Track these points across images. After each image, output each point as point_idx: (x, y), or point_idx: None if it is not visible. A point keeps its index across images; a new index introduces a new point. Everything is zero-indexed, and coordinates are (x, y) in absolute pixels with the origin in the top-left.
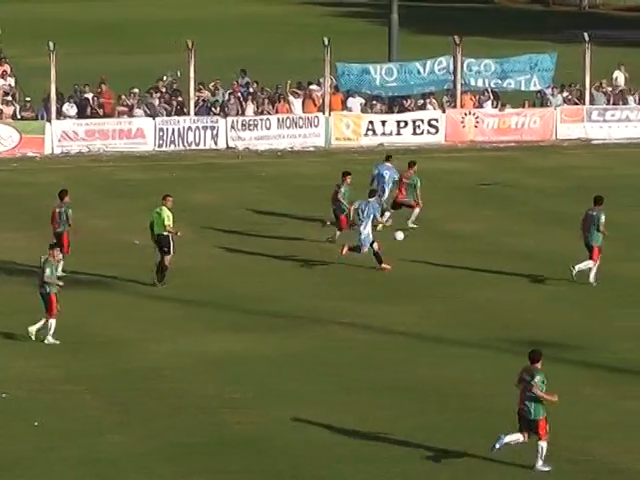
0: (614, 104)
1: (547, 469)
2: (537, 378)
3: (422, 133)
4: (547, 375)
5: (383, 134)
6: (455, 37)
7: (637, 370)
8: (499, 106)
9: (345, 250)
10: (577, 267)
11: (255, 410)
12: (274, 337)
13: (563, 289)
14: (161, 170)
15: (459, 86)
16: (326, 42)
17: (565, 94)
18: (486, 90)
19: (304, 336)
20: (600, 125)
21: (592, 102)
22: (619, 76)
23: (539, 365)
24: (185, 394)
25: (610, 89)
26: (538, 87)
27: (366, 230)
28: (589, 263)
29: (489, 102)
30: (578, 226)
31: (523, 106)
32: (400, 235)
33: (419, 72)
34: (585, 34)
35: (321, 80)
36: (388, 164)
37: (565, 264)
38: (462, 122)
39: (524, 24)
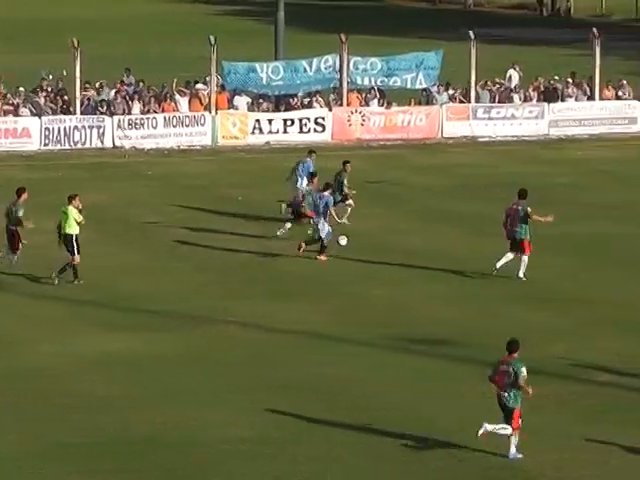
0: (499, 102)
1: (520, 456)
2: (523, 371)
3: (309, 131)
4: (444, 372)
5: (270, 132)
6: (341, 35)
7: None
8: (385, 104)
9: (302, 248)
10: (498, 264)
11: (148, 409)
12: (168, 336)
13: (453, 286)
14: (47, 170)
15: (345, 84)
16: (212, 41)
17: (451, 92)
18: (372, 88)
19: (197, 335)
20: (485, 123)
21: (477, 100)
22: (513, 74)
23: (516, 355)
24: (77, 394)
25: (496, 87)
26: (424, 85)
27: (326, 225)
28: (509, 256)
29: (375, 100)
30: (465, 224)
31: (409, 104)
32: (344, 240)
33: (305, 70)
34: (470, 32)
35: (207, 79)
36: (309, 159)
37: (452, 261)
38: (349, 120)
39: (411, 22)
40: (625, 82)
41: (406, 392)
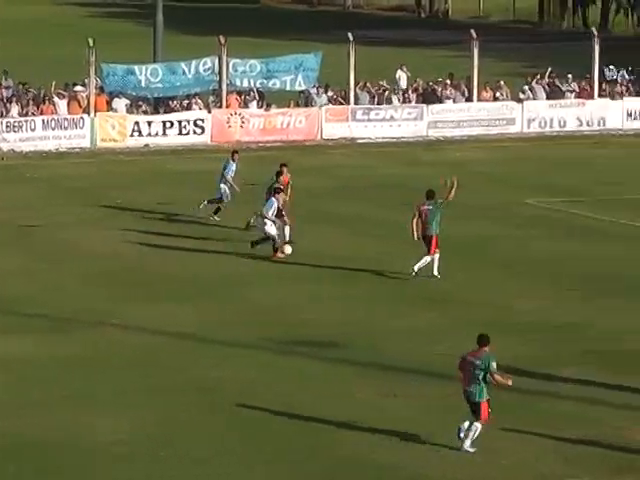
0: (378, 104)
1: (473, 450)
2: (493, 364)
3: (188, 133)
4: (328, 373)
5: (149, 135)
6: (220, 37)
7: (407, 368)
8: (265, 106)
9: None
10: (416, 267)
11: (35, 413)
12: (51, 340)
13: (337, 287)
14: None
15: (225, 86)
16: (91, 43)
17: (330, 93)
18: (251, 90)
19: (82, 339)
20: (365, 124)
21: (357, 102)
22: (402, 76)
23: (487, 349)
24: None
25: (375, 89)
26: (303, 87)
27: (273, 227)
28: (427, 259)
29: (254, 102)
30: (346, 224)
31: (289, 106)
32: (288, 249)
33: (184, 73)
34: (349, 34)
35: (86, 81)
36: (232, 160)
37: (335, 262)
38: (228, 122)
39: (290, 24)
40: (503, 83)
41: (290, 393)
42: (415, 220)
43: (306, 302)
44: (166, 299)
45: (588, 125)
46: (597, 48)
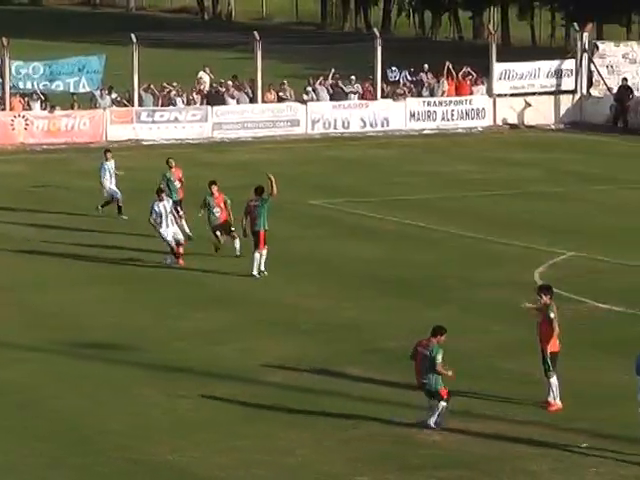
0: (162, 105)
1: (435, 427)
2: (438, 356)
3: None
4: (109, 375)
5: None
6: (2, 39)
7: (187, 368)
8: (49, 108)
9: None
10: (254, 270)
11: None
12: None
13: (119, 289)
14: None
15: (7, 89)
16: None
17: (114, 95)
18: (35, 92)
19: None
20: (149, 126)
21: (141, 104)
22: (204, 76)
23: (436, 340)
24: None
25: (159, 92)
26: (87, 89)
27: (169, 229)
28: (257, 256)
29: (38, 104)
30: (133, 227)
31: (72, 108)
32: (169, 259)
33: None
34: (132, 35)
35: None
36: (105, 159)
37: (114, 264)
38: (12, 125)
39: (73, 26)
40: (287, 84)
41: (75, 395)
42: (244, 216)
43: (93, 305)
44: None
45: (372, 126)
46: (379, 49)
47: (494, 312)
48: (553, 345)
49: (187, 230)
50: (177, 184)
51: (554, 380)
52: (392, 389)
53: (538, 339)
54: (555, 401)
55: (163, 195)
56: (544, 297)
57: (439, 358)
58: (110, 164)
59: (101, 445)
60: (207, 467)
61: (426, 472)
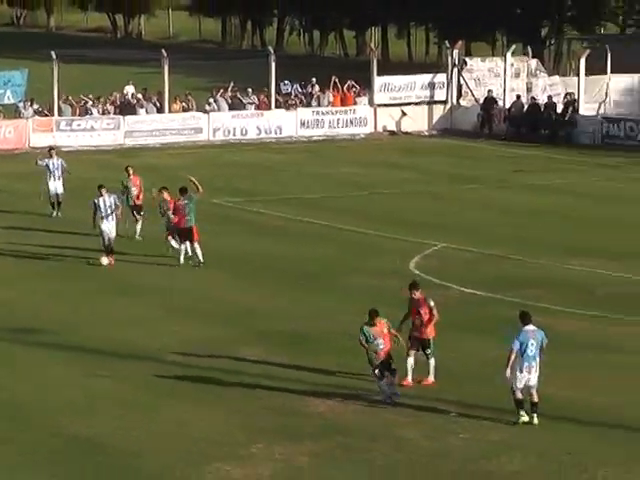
0: (79, 115)
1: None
2: (360, 336)
3: None
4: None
5: None
6: None
7: (102, 350)
8: None
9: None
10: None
11: None
12: None
13: (59, 280)
14: None
15: None
16: None
17: (36, 106)
18: None
19: None
20: (68, 134)
21: (60, 114)
22: (129, 89)
23: (370, 321)
24: None
25: (77, 103)
26: (12, 101)
27: (107, 224)
28: (195, 247)
29: None
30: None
31: None
32: (105, 260)
33: None
34: (52, 52)
35: None
36: (50, 157)
37: (38, 259)
38: None
39: None
40: (191, 96)
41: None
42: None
43: (24, 297)
44: None
45: (267, 133)
46: (273, 65)
47: (375, 297)
48: (432, 331)
49: (138, 231)
50: (134, 190)
51: (432, 361)
52: (284, 368)
53: (415, 329)
54: (429, 377)
55: (102, 190)
56: (416, 293)
57: (360, 337)
58: (51, 162)
59: (21, 419)
60: (121, 440)
61: (312, 440)
